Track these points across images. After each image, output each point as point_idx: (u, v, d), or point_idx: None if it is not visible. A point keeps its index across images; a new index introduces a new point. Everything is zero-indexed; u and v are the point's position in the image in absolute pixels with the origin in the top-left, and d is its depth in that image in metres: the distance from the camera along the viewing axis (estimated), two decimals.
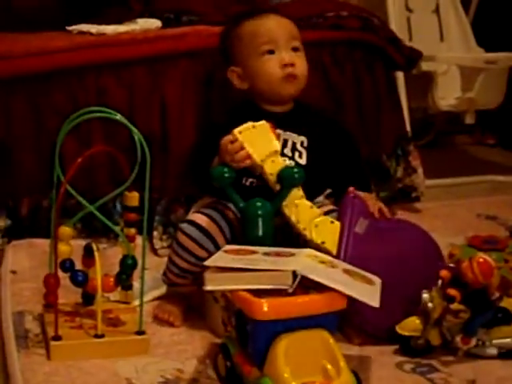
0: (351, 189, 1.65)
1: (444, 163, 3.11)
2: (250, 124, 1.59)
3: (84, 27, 2.19)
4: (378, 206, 1.68)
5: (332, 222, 1.58)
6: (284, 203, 1.55)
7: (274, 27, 1.74)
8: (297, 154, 1.71)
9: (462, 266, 1.51)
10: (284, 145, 1.70)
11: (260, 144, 1.57)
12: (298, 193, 1.57)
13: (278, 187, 1.57)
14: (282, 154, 1.65)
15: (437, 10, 3.17)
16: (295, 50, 1.74)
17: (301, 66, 1.73)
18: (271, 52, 1.71)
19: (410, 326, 1.54)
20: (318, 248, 1.54)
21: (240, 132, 1.58)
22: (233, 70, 1.77)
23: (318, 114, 1.83)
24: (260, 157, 1.56)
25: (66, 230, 1.57)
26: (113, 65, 2.08)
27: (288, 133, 1.71)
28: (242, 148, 1.55)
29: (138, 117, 2.05)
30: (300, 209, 1.57)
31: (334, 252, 1.55)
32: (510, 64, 2.86)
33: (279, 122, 1.67)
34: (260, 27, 1.74)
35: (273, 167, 1.57)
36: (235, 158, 1.55)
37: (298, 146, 1.72)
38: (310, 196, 1.64)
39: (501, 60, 2.79)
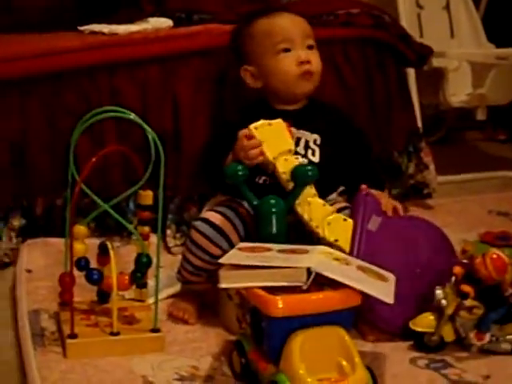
0: (364, 186, 1.65)
1: (455, 159, 3.11)
2: (266, 121, 1.60)
3: (96, 27, 2.20)
4: (392, 204, 1.68)
5: (345, 220, 1.59)
6: (297, 201, 1.56)
7: (289, 26, 1.73)
8: (310, 151, 1.72)
9: (476, 263, 1.52)
10: (297, 143, 1.70)
11: (274, 141, 1.58)
12: (310, 191, 1.58)
13: (290, 186, 1.57)
14: (295, 152, 1.65)
15: (447, 7, 3.16)
16: (310, 47, 1.74)
17: (316, 63, 1.73)
18: (287, 50, 1.71)
19: (424, 322, 1.55)
20: (331, 246, 1.55)
21: (256, 128, 1.59)
22: (246, 68, 1.77)
23: (331, 111, 1.83)
24: (273, 154, 1.57)
25: (81, 229, 1.58)
26: (125, 64, 2.09)
27: (301, 131, 1.72)
28: (258, 145, 1.56)
29: (150, 116, 2.06)
30: (313, 207, 1.57)
31: (347, 250, 1.55)
32: None
33: (292, 120, 1.67)
34: (275, 26, 1.73)
35: (285, 165, 1.57)
36: (249, 154, 1.56)
37: (311, 144, 1.72)
38: (323, 193, 1.64)
39: None
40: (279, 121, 1.61)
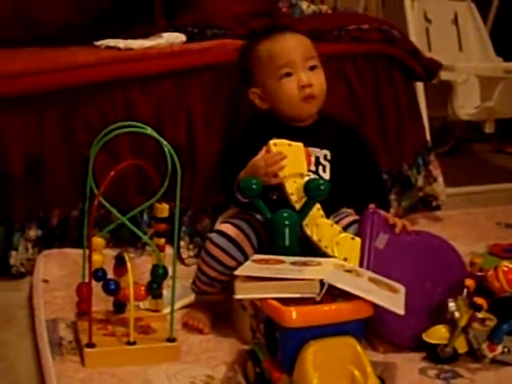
0: (372, 205, 1.68)
1: (463, 171, 3.14)
2: (286, 141, 1.63)
3: (111, 42, 2.24)
4: (401, 222, 1.70)
5: (353, 239, 1.62)
6: (305, 223, 1.59)
7: (290, 49, 1.74)
8: (320, 168, 1.75)
9: (488, 275, 1.55)
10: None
11: (289, 162, 1.60)
12: (318, 212, 1.61)
13: (298, 206, 1.59)
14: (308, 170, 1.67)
15: (455, 21, 3.20)
16: (312, 68, 1.75)
17: (319, 84, 1.75)
18: (289, 74, 1.73)
19: (437, 334, 1.57)
20: None
21: (275, 144, 1.61)
22: (253, 91, 1.79)
23: (341, 126, 1.85)
24: (284, 173, 1.60)
25: (98, 241, 1.62)
26: (140, 79, 2.13)
27: (311, 148, 1.73)
28: (279, 161, 1.59)
29: (164, 129, 2.09)
30: (320, 228, 1.60)
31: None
32: None
33: (302, 137, 1.68)
34: (276, 50, 1.74)
35: (293, 187, 1.60)
36: (269, 170, 1.59)
37: (322, 160, 1.75)
38: (332, 209, 1.70)
39: None
40: (299, 144, 1.64)
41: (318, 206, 1.61)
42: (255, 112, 1.87)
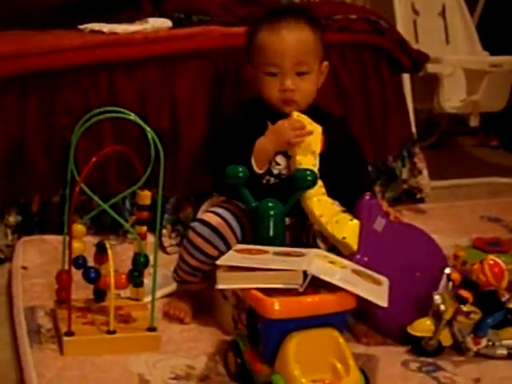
0: (368, 193, 1.67)
1: (447, 164, 3.14)
2: (308, 119, 1.66)
3: (96, 26, 2.21)
4: (394, 213, 1.69)
5: (351, 220, 1.61)
6: (306, 196, 1.58)
7: (283, 50, 1.69)
8: None
9: (474, 268, 1.55)
10: None
11: (306, 138, 1.64)
12: (320, 189, 1.61)
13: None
14: None
15: (443, 13, 3.19)
16: (300, 74, 1.71)
17: (303, 90, 1.71)
18: (274, 74, 1.70)
19: (422, 326, 1.56)
20: (339, 243, 1.58)
21: (298, 116, 1.66)
22: (249, 69, 1.78)
23: (331, 119, 1.82)
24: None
25: (79, 228, 1.60)
26: (124, 63, 2.10)
27: None
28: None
29: (148, 115, 2.07)
30: (322, 203, 1.60)
31: (355, 247, 1.58)
32: None
33: None
34: (269, 45, 1.70)
35: (302, 160, 1.63)
36: (297, 134, 1.63)
37: None
38: None
39: (505, 63, 2.81)
40: (318, 126, 1.67)
41: (320, 183, 1.61)
42: (244, 99, 1.85)
